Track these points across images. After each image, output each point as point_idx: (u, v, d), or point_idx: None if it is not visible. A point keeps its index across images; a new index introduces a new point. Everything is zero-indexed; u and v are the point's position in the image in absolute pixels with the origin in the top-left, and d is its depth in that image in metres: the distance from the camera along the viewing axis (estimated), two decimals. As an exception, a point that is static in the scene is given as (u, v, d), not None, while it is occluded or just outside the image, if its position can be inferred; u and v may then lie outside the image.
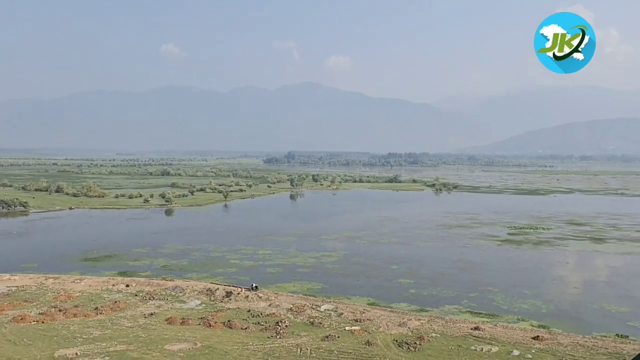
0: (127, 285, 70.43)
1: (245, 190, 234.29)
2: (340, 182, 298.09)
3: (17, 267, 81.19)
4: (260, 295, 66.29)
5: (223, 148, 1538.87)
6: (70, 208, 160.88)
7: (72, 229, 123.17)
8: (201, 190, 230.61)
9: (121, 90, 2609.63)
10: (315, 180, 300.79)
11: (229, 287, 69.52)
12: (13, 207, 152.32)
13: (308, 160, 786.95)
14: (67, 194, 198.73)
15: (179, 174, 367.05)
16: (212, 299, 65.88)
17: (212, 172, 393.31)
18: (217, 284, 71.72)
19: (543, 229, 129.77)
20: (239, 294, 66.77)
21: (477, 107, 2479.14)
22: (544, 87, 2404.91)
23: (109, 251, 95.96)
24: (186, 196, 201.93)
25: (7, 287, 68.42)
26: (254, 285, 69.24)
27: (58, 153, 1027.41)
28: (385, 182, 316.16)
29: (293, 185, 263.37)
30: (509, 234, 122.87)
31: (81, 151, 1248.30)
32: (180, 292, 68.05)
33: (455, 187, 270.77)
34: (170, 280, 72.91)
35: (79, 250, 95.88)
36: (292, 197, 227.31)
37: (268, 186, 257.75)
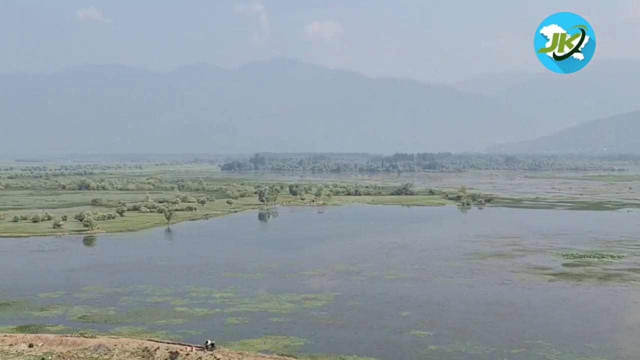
0: (31, 346, 69.27)
1: (196, 209, 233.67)
2: (328, 195, 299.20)
3: None
4: (219, 356, 65.72)
5: (164, 150, 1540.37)
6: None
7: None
8: (134, 209, 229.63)
9: (22, 73, 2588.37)
10: (294, 193, 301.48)
11: (174, 346, 68.71)
12: None
13: (283, 165, 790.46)
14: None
15: (103, 187, 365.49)
16: (151, 363, 65.02)
17: (149, 183, 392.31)
18: (158, 341, 70.91)
19: (612, 257, 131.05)
20: (187, 355, 66.04)
21: (515, 90, 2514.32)
22: (610, 61, 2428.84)
23: (4, 297, 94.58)
24: (113, 218, 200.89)
25: None
26: (209, 342, 68.53)
27: None
28: (392, 194, 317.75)
29: (263, 201, 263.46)
30: (564, 264, 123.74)
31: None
32: (106, 354, 67.08)
33: (488, 201, 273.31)
34: (92, 338, 71.95)
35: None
36: (261, 217, 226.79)
37: (228, 202, 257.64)
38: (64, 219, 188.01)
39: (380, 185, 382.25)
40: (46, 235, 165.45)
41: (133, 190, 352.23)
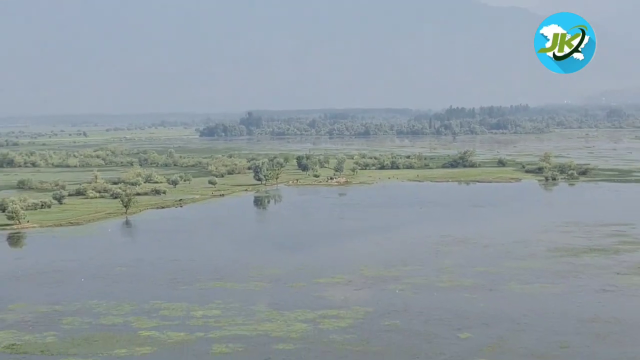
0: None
1: (165, 192, 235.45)
2: (353, 169, 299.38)
3: None
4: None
5: (116, 110, 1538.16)
6: None
7: None
8: (78, 194, 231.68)
9: None
10: (304, 168, 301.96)
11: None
12: None
13: (288, 128, 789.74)
14: None
15: (33, 163, 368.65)
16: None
17: (98, 157, 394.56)
18: (117, 379, 71.75)
19: None
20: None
21: (623, 12, 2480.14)
22: None
23: None
24: (49, 207, 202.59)
25: None
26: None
27: None
28: (444, 166, 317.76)
29: (260, 180, 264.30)
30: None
31: None
32: (45, 398, 67.95)
33: (583, 173, 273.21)
34: (24, 375, 72.93)
35: None
36: (258, 202, 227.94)
37: (211, 182, 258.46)
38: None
39: (428, 153, 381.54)
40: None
41: (75, 167, 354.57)
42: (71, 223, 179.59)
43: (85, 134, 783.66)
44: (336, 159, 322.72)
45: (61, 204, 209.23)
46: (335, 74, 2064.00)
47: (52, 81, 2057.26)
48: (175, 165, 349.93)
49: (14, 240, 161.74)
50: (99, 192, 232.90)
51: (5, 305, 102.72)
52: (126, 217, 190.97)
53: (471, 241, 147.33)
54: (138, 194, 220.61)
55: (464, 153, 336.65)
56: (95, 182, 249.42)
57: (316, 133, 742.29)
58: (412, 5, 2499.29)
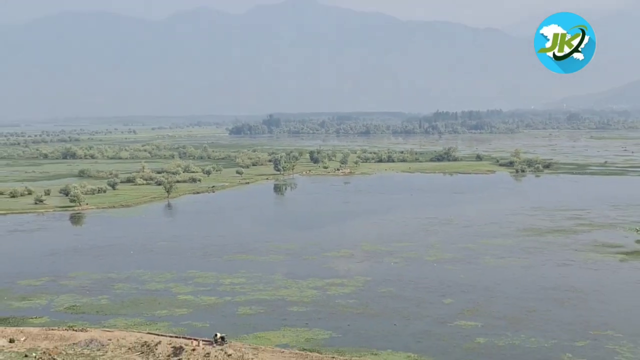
0: (12, 341, 70.57)
1: (200, 180, 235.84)
2: (356, 162, 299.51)
3: None
4: (230, 352, 66.30)
5: (159, 112, 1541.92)
6: None
7: None
8: (128, 181, 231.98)
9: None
10: (315, 161, 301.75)
11: (177, 340, 69.55)
12: None
13: (302, 127, 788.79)
14: None
15: (92, 156, 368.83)
16: (152, 359, 65.99)
17: (145, 151, 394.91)
18: (159, 334, 71.81)
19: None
20: (194, 350, 66.74)
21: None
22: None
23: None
24: (104, 192, 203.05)
25: None
26: (219, 335, 69.22)
27: None
28: (432, 160, 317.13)
29: (278, 170, 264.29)
30: (639, 241, 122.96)
31: None
32: (99, 350, 68.16)
33: (547, 167, 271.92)
34: (82, 331, 73.01)
35: None
36: (277, 189, 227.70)
37: (238, 172, 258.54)
38: (47, 193, 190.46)
39: (418, 149, 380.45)
40: (26, 212, 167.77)
41: (126, 159, 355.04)
42: (122, 205, 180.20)
43: (134, 132, 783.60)
44: (342, 153, 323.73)
45: (114, 189, 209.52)
46: (341, 83, 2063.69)
47: (109, 89, 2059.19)
48: (208, 158, 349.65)
49: (75, 219, 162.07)
50: (146, 179, 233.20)
51: (66, 273, 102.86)
52: (168, 201, 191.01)
53: (453, 222, 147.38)
54: (178, 182, 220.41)
55: (448, 149, 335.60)
56: (143, 171, 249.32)
57: (325, 132, 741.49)
58: (405, 25, 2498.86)
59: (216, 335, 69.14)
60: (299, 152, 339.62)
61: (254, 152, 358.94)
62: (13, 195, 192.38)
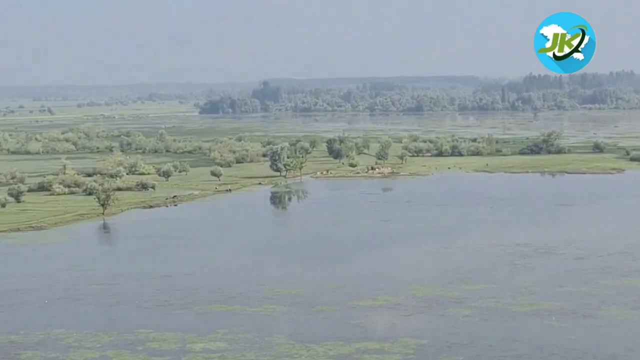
0: None
1: (154, 187, 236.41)
2: (402, 156, 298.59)
3: None
4: None
5: (90, 79, 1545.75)
6: None
7: None
8: (41, 189, 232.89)
9: None
10: (337, 155, 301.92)
11: None
12: None
13: (314, 102, 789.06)
14: None
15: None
16: None
17: (67, 140, 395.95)
18: None
19: None
20: None
21: None
22: None
23: None
24: (3, 206, 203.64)
25: None
26: None
27: None
28: (522, 152, 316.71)
29: (278, 170, 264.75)
30: None
31: None
32: None
33: None
34: None
35: None
36: (276, 199, 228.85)
37: (214, 173, 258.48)
38: None
39: (500, 136, 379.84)
40: None
41: (38, 153, 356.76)
42: (32, 227, 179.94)
43: (50, 111, 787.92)
44: (379, 142, 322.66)
45: (19, 202, 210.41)
46: (377, 32, 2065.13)
47: (7, 44, 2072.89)
48: (167, 151, 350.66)
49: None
50: (68, 186, 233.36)
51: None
52: (103, 220, 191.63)
53: (558, 251, 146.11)
54: (119, 189, 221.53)
55: (549, 135, 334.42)
56: (64, 173, 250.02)
57: (352, 109, 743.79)
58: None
59: None
60: (310, 141, 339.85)
61: (240, 141, 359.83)
62: None
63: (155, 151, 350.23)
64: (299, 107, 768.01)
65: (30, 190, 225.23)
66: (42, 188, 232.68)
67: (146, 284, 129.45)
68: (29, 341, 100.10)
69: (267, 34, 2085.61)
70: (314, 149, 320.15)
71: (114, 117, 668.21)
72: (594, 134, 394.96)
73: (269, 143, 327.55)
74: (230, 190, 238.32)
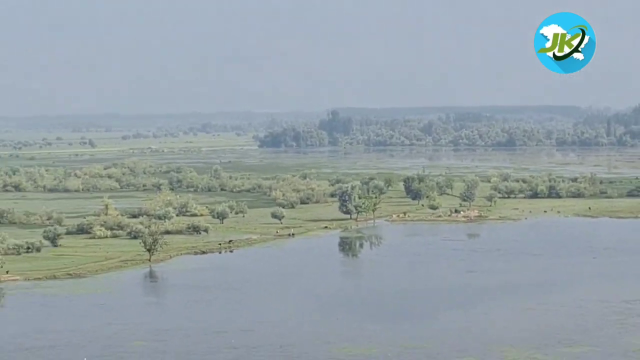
0: None
1: (207, 231, 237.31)
2: (491, 197, 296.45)
3: None
4: None
5: (136, 108, 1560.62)
6: None
7: None
8: (81, 231, 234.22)
9: None
10: (416, 195, 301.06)
11: None
12: None
13: (390, 134, 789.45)
14: None
15: (16, 187, 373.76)
16: None
17: (110, 177, 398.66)
18: None
19: None
20: None
21: None
22: None
23: None
24: (38, 250, 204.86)
25: None
26: None
27: None
28: (629, 194, 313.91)
29: (348, 212, 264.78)
30: None
31: None
32: None
33: None
34: None
35: None
36: (345, 245, 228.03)
37: (275, 215, 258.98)
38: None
39: (606, 175, 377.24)
40: None
41: (77, 191, 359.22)
42: (70, 274, 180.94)
43: (91, 144, 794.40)
44: (464, 181, 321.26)
45: (55, 246, 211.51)
46: (463, 56, 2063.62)
47: (47, 73, 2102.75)
48: (222, 189, 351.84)
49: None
50: (111, 229, 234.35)
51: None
52: (150, 267, 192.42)
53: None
54: (168, 233, 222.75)
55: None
56: (106, 214, 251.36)
57: (434, 143, 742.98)
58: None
59: None
60: (385, 179, 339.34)
61: (305, 179, 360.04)
62: None
63: (209, 189, 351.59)
64: (373, 140, 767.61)
65: (68, 233, 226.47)
66: (82, 230, 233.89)
67: (197, 340, 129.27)
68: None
69: (335, 57, 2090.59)
70: (390, 188, 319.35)
71: (163, 151, 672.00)
72: None
73: (337, 181, 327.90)
74: (293, 234, 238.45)
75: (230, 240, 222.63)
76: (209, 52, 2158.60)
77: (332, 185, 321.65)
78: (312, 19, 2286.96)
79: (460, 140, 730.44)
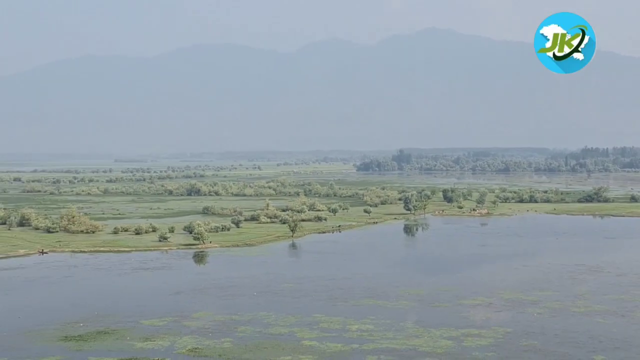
0: (133, 383, 72.31)
1: (326, 219, 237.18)
2: (494, 202, 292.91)
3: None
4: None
5: (287, 147, 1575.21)
6: (42, 252, 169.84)
7: (44, 287, 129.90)
8: (252, 219, 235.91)
9: (123, 56, 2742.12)
10: (449, 200, 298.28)
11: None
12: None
13: (434, 164, 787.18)
14: (37, 228, 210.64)
15: (216, 192, 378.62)
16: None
17: (269, 187, 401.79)
18: (283, 383, 71.85)
19: None
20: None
21: None
22: None
23: (103, 324, 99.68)
24: (228, 230, 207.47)
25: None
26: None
27: (22, 161, 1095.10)
28: (579, 201, 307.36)
29: (409, 210, 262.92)
30: None
31: (59, 157, 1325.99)
32: (221, 397, 68.80)
33: None
34: (204, 376, 74.08)
35: (56, 323, 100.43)
36: (407, 229, 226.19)
37: (366, 211, 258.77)
38: (171, 230, 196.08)
39: (564, 189, 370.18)
40: (150, 249, 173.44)
41: (251, 196, 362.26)
42: (246, 244, 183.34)
43: (259, 168, 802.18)
44: (478, 192, 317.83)
45: (238, 227, 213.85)
46: (478, 116, 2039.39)
47: (233, 123, 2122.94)
48: (335, 195, 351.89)
49: (199, 257, 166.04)
50: (270, 218, 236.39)
51: (190, 314, 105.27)
52: (292, 241, 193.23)
53: (604, 270, 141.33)
54: (303, 220, 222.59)
55: (598, 189, 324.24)
56: (267, 209, 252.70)
57: (460, 169, 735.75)
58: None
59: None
60: (431, 190, 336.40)
61: (383, 189, 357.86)
62: (138, 232, 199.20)
63: (327, 195, 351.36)
64: (424, 167, 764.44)
65: (245, 220, 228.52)
66: (253, 219, 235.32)
67: (319, 283, 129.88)
68: (243, 320, 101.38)
69: (401, 117, 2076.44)
70: (434, 195, 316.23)
71: (300, 173, 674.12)
72: (631, 189, 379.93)
73: (403, 191, 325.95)
74: (376, 222, 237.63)
75: (339, 225, 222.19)
76: (329, 109, 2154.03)
77: (400, 193, 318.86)
78: (388, 91, 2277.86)
79: (476, 168, 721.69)
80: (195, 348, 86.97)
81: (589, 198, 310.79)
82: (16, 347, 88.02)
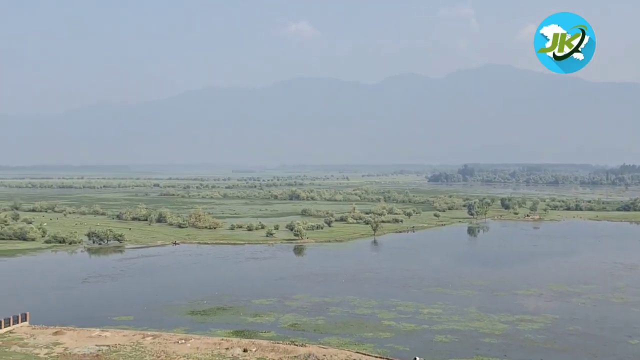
0: (245, 350, 73.43)
1: (402, 221, 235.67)
2: (545, 209, 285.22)
3: (109, 320, 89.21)
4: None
5: (370, 161, 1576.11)
6: (175, 243, 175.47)
7: (176, 271, 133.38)
8: (341, 220, 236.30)
9: (238, 87, 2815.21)
10: (506, 207, 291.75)
11: (381, 360, 69.16)
12: (106, 241, 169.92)
13: (494, 177, 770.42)
14: (171, 224, 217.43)
15: (312, 198, 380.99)
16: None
17: (355, 194, 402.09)
18: (366, 354, 71.89)
19: None
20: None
21: None
22: None
23: (222, 302, 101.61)
24: (321, 228, 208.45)
25: (97, 345, 75.45)
26: (417, 359, 68.07)
27: (160, 171, 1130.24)
28: (618, 209, 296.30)
29: (472, 214, 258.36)
30: None
31: (190, 167, 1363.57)
32: (315, 364, 69.13)
33: None
34: (302, 346, 74.70)
35: (185, 300, 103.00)
36: (470, 231, 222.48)
37: (435, 215, 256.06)
38: (276, 228, 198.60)
39: (605, 199, 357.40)
40: (259, 243, 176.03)
41: (340, 201, 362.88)
42: (336, 240, 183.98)
43: (347, 178, 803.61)
44: (531, 201, 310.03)
45: (330, 226, 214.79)
46: (531, 138, 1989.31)
47: (326, 142, 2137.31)
48: (409, 202, 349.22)
49: (298, 250, 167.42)
50: (356, 219, 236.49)
51: (291, 295, 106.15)
52: (374, 238, 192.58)
53: (639, 268, 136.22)
54: (383, 222, 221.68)
55: (635, 200, 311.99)
56: (354, 212, 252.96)
57: (516, 181, 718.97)
58: (592, 86, 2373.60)
59: (415, 358, 68.29)
60: (491, 198, 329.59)
61: (450, 197, 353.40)
62: (249, 229, 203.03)
63: (403, 201, 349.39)
64: (485, 179, 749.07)
65: (336, 220, 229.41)
66: (342, 219, 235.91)
67: (396, 273, 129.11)
68: (334, 302, 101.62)
69: (466, 136, 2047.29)
70: (493, 203, 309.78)
71: (381, 183, 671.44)
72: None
73: (467, 199, 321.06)
74: (444, 224, 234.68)
75: (413, 226, 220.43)
76: (406, 131, 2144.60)
77: (464, 201, 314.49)
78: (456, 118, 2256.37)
79: (530, 181, 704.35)
80: (295, 324, 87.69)
81: (626, 207, 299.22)
82: (156, 319, 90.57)
